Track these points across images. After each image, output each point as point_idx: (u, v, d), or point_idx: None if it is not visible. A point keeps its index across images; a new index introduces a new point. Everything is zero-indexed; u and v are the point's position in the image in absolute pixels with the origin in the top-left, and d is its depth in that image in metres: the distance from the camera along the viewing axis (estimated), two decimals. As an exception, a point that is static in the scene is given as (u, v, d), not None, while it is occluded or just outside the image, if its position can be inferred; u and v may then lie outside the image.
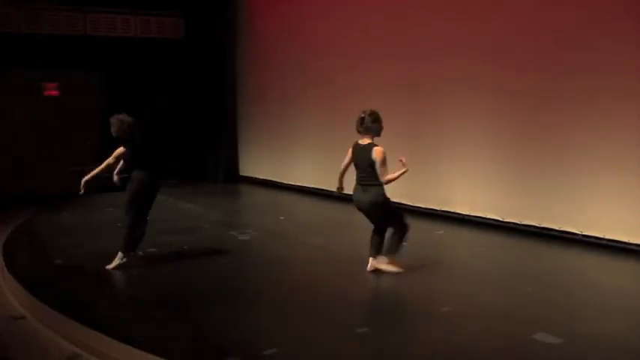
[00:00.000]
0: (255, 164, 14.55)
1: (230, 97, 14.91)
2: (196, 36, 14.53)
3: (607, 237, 8.11)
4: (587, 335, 5.29)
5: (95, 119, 13.63)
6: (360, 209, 6.95)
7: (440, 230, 9.40)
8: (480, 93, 9.43)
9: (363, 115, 6.79)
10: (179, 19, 14.60)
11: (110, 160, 7.49)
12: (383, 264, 6.99)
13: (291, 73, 13.16)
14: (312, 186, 12.79)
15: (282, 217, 10.57)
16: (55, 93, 13.48)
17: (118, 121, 7.51)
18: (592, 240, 8.24)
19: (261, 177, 14.27)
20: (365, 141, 6.79)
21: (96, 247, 8.57)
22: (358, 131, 6.83)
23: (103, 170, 7.51)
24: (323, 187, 12.47)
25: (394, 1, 10.88)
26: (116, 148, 7.51)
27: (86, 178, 7.46)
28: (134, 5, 13.97)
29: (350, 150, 6.93)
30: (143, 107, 14.24)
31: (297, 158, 13.29)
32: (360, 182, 6.84)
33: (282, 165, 13.72)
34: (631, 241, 7.87)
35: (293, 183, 13.32)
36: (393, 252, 7.00)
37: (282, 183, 13.59)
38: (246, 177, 14.72)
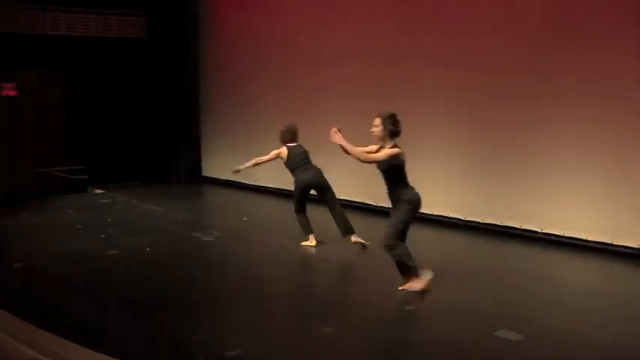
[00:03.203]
0: (218, 165, 14.43)
1: (193, 97, 14.79)
2: (159, 35, 14.38)
3: (567, 234, 8.25)
4: (547, 332, 5.37)
5: (56, 120, 13.43)
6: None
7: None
8: (441, 94, 9.50)
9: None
10: (142, 19, 14.44)
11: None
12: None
13: (255, 73, 13.10)
14: (275, 187, 12.75)
15: (245, 218, 10.53)
16: (12, 93, 13.23)
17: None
18: (553, 237, 8.37)
19: (224, 178, 14.18)
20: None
21: (56, 249, 8.43)
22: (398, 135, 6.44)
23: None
24: (286, 188, 12.44)
25: (361, 2, 10.91)
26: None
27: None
28: (96, 4, 13.78)
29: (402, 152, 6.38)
30: (105, 107, 14.10)
31: (261, 159, 13.23)
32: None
33: (246, 165, 13.64)
34: (590, 239, 8.02)
35: (256, 184, 13.26)
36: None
37: (245, 184, 13.52)
38: (210, 178, 14.61)
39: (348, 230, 8.06)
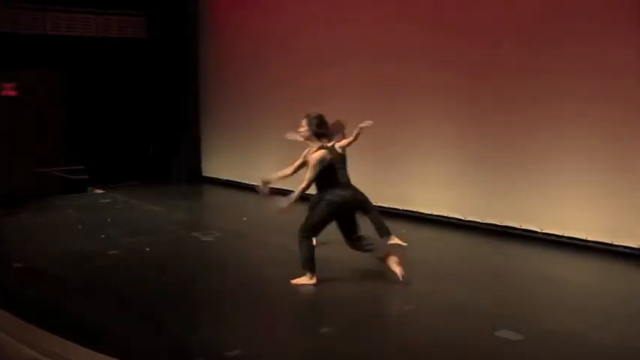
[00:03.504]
0: (218, 165, 14.45)
1: (193, 96, 14.79)
2: (158, 35, 14.37)
3: (567, 234, 8.25)
4: (547, 332, 5.37)
5: (56, 120, 13.43)
6: (353, 206, 6.77)
7: (402, 230, 9.42)
8: (442, 94, 9.50)
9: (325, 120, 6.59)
10: (142, 19, 14.43)
11: None
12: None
13: (255, 73, 13.10)
14: (275, 186, 12.74)
15: (245, 218, 10.52)
16: (12, 93, 13.23)
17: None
18: (552, 237, 8.37)
19: (224, 178, 14.19)
20: (334, 143, 6.90)
21: (56, 249, 8.43)
22: (329, 135, 6.66)
23: None
24: (286, 188, 12.44)
25: (361, 2, 10.91)
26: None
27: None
28: (96, 5, 13.78)
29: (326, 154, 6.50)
30: (105, 107, 14.10)
31: (261, 159, 13.23)
32: (348, 183, 6.89)
33: (246, 165, 13.64)
34: (589, 239, 8.02)
35: (256, 184, 13.25)
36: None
37: (245, 184, 13.52)
38: (210, 178, 14.62)
39: (385, 232, 8.00)
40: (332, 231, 8.34)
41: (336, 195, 6.46)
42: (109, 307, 6.23)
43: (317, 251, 8.03)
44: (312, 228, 6.62)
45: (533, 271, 7.34)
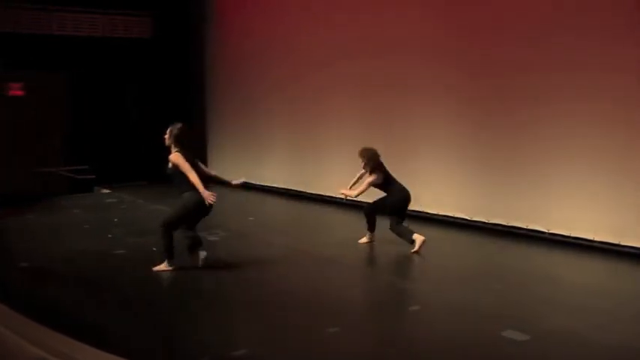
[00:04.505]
0: (224, 164, 14.45)
1: (198, 96, 14.83)
2: (164, 35, 14.41)
3: (573, 235, 8.23)
4: (553, 332, 5.36)
5: (62, 120, 13.46)
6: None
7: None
8: (448, 94, 9.50)
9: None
10: (147, 19, 14.47)
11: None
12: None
13: (259, 73, 13.12)
14: (281, 186, 12.77)
15: (251, 218, 10.54)
16: (19, 93, 13.26)
17: None
18: (558, 238, 8.35)
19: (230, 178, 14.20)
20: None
21: (62, 249, 8.45)
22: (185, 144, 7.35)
23: None
24: (292, 188, 12.46)
25: (362, 2, 10.91)
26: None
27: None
28: (103, 5, 13.82)
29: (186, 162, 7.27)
30: (110, 107, 14.14)
31: (266, 158, 13.25)
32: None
33: (252, 165, 13.67)
34: (596, 239, 8.00)
35: (262, 183, 13.28)
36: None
37: (251, 183, 13.53)
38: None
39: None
40: (334, 232, 8.36)
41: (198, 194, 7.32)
42: (114, 306, 6.24)
43: (319, 252, 8.07)
44: (175, 222, 7.29)
45: (539, 271, 7.33)
